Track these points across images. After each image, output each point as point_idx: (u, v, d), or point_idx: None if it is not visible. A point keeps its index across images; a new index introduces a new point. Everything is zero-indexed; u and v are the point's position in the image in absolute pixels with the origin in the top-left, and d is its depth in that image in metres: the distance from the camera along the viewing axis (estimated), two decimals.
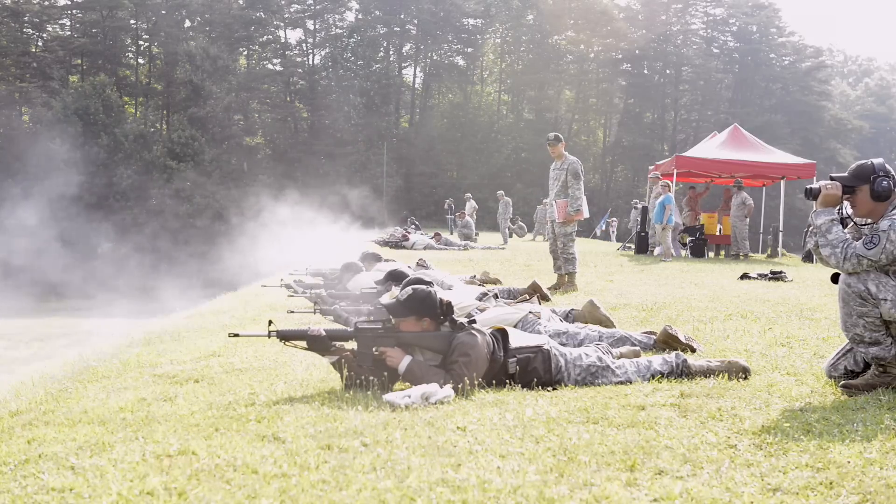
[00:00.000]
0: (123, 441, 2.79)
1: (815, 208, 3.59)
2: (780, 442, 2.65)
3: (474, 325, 3.69)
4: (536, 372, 3.65)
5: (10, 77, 45.43)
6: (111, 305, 23.05)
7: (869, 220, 3.56)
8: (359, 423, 2.89)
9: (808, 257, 16.46)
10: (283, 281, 8.38)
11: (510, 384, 3.60)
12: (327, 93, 52.54)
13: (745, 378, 3.71)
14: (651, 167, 20.06)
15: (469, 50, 57.04)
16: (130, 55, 51.82)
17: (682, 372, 3.77)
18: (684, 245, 16.64)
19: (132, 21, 49.85)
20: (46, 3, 47.70)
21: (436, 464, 2.39)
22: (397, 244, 18.95)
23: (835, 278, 3.67)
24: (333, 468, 2.37)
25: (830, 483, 2.25)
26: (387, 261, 8.76)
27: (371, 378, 3.57)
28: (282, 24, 54.63)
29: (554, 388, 3.61)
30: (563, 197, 8.74)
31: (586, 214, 8.79)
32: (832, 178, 3.60)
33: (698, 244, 16.33)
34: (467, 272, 10.07)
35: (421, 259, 9.57)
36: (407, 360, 3.55)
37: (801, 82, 58.47)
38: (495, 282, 9.00)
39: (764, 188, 19.87)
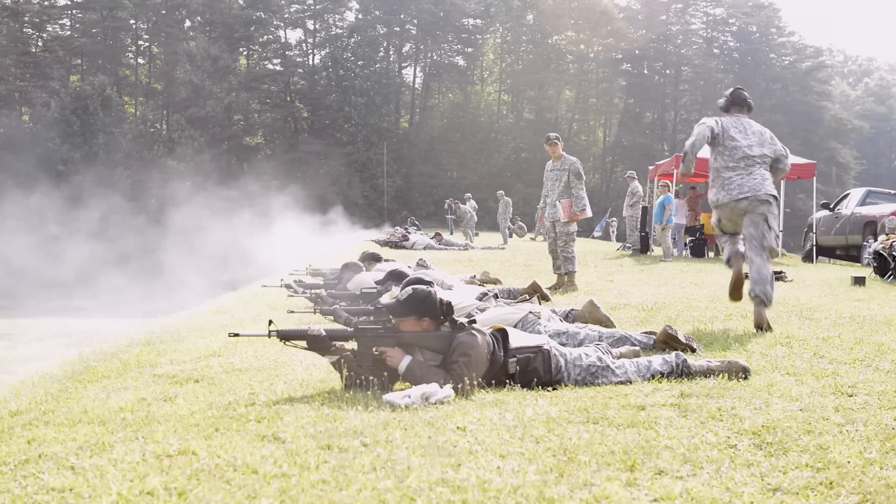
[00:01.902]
0: (123, 441, 2.79)
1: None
2: (780, 442, 2.65)
3: (474, 325, 3.69)
4: (536, 372, 3.64)
5: (10, 77, 45.44)
6: (113, 305, 23.05)
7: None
8: (359, 423, 2.89)
9: (807, 257, 16.46)
10: (282, 281, 8.39)
11: (510, 384, 3.60)
12: (327, 93, 52.55)
13: (745, 378, 3.71)
14: (651, 167, 20.07)
15: (469, 50, 57.04)
16: (130, 55, 51.84)
17: (682, 372, 3.77)
18: (684, 245, 16.64)
19: (132, 21, 49.85)
20: (46, 3, 47.70)
21: (436, 464, 2.39)
22: (397, 244, 18.97)
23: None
24: (333, 468, 2.37)
25: (830, 483, 2.25)
26: (387, 261, 8.77)
27: (371, 378, 3.57)
28: (282, 24, 54.64)
29: (554, 388, 3.61)
30: (567, 197, 8.77)
31: (589, 213, 8.87)
32: None
33: (698, 244, 16.32)
34: (467, 272, 10.07)
35: (421, 259, 9.57)
36: (407, 360, 3.55)
37: (801, 82, 58.46)
38: (495, 282, 9.00)
39: None
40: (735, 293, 5.65)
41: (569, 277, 8.72)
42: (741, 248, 5.58)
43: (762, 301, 5.27)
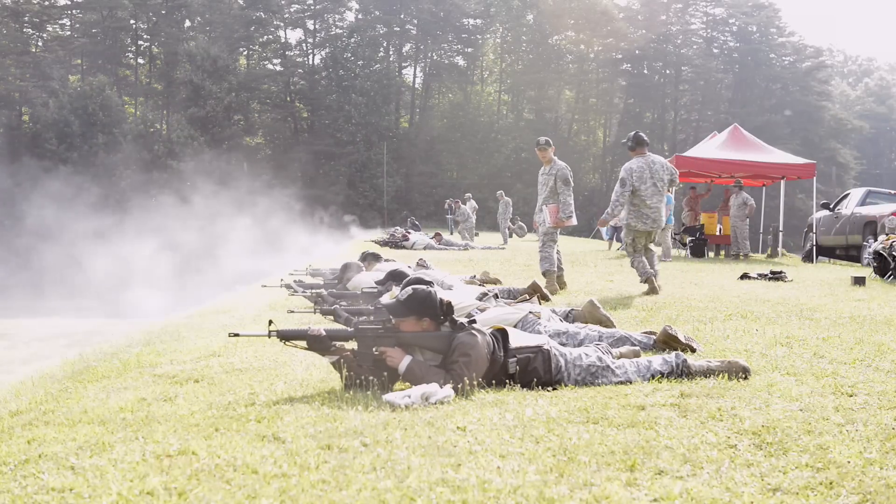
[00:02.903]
0: (123, 441, 2.79)
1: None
2: (780, 442, 2.65)
3: (474, 325, 3.68)
4: (536, 372, 3.64)
5: (10, 77, 45.41)
6: (116, 306, 23.04)
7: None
8: (359, 423, 2.89)
9: (808, 257, 16.46)
10: (283, 281, 8.39)
11: (510, 384, 3.60)
12: (327, 93, 52.52)
13: (745, 378, 3.71)
14: None
15: (469, 50, 57.04)
16: (130, 55, 51.83)
17: (682, 372, 3.77)
18: (684, 245, 16.65)
19: (132, 21, 49.86)
20: (46, 3, 47.70)
21: (436, 464, 2.39)
22: (397, 244, 18.96)
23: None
24: (333, 468, 2.37)
25: (830, 483, 2.25)
26: (387, 261, 8.77)
27: (371, 378, 3.56)
28: (282, 24, 54.63)
29: (554, 388, 3.61)
30: (553, 202, 8.53)
31: (575, 222, 8.60)
32: None
33: (698, 244, 16.32)
34: (467, 272, 10.07)
35: (421, 259, 9.57)
36: (407, 360, 3.55)
37: (801, 82, 58.45)
38: (495, 282, 8.99)
39: (764, 188, 19.87)
40: (651, 294, 7.93)
41: (547, 278, 8.42)
42: (651, 269, 8.10)
43: (655, 276, 8.12)
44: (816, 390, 3.48)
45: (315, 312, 6.04)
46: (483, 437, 2.71)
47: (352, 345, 3.67)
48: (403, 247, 18.66)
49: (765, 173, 17.47)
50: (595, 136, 60.40)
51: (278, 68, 54.70)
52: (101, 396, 3.78)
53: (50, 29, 48.78)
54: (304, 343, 3.62)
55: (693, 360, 3.89)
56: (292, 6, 54.22)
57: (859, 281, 9.05)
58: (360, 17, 55.53)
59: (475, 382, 3.46)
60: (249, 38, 52.65)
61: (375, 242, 20.42)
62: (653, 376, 3.76)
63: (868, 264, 11.91)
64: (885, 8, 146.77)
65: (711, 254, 17.30)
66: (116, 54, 49.51)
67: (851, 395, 3.37)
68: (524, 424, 2.88)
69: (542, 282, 7.84)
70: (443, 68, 57.11)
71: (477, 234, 23.53)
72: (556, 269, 8.61)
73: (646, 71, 59.60)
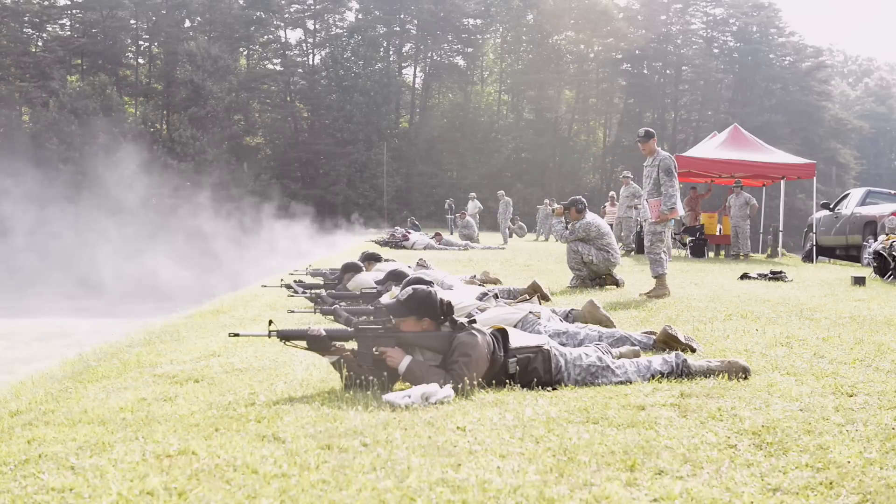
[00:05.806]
0: (123, 441, 2.79)
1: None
2: (780, 442, 2.65)
3: (474, 325, 3.68)
4: (536, 372, 3.64)
5: (10, 77, 45.40)
6: (116, 307, 23.04)
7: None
8: (359, 423, 2.89)
9: (808, 257, 16.45)
10: (283, 281, 8.40)
11: (510, 384, 3.60)
12: (327, 93, 52.55)
13: (745, 378, 3.71)
14: None
15: (469, 50, 57.06)
16: (130, 55, 51.83)
17: (682, 372, 3.77)
18: (684, 245, 16.65)
19: (132, 21, 49.87)
20: (46, 3, 47.69)
21: (436, 464, 2.39)
22: (397, 244, 18.95)
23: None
24: (333, 468, 2.37)
25: (830, 483, 2.25)
26: (387, 261, 8.78)
27: (371, 378, 3.57)
28: (282, 24, 54.66)
29: (554, 388, 3.61)
30: (657, 196, 8.09)
31: (681, 212, 8.21)
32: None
33: (698, 244, 16.33)
34: (467, 272, 10.06)
35: (421, 259, 9.56)
36: (407, 360, 3.55)
37: (801, 82, 58.47)
38: (495, 282, 8.99)
39: (764, 188, 19.87)
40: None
41: (658, 280, 7.90)
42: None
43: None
44: (816, 390, 3.48)
45: (315, 312, 6.04)
46: (483, 437, 2.71)
47: (352, 345, 3.67)
48: (403, 247, 18.65)
49: (765, 173, 17.47)
50: (595, 136, 60.40)
51: (278, 68, 54.73)
52: (101, 396, 3.78)
53: (50, 29, 48.77)
54: (304, 343, 3.62)
55: (693, 360, 3.89)
56: (292, 6, 54.25)
57: (859, 281, 9.05)
58: (360, 17, 55.56)
59: (475, 382, 3.46)
60: (249, 38, 52.67)
61: (375, 242, 20.41)
62: (653, 376, 3.76)
63: (868, 264, 11.90)
64: (885, 8, 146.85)
65: (711, 254, 17.30)
66: (116, 54, 49.49)
67: (851, 395, 3.37)
68: (524, 424, 2.88)
69: (542, 282, 7.73)
70: (443, 68, 57.14)
71: (477, 242, 23.37)
72: (667, 271, 8.03)
73: (646, 71, 59.63)
